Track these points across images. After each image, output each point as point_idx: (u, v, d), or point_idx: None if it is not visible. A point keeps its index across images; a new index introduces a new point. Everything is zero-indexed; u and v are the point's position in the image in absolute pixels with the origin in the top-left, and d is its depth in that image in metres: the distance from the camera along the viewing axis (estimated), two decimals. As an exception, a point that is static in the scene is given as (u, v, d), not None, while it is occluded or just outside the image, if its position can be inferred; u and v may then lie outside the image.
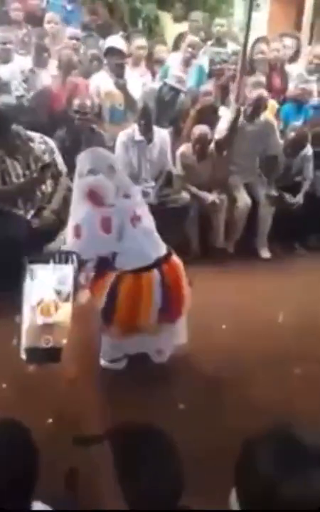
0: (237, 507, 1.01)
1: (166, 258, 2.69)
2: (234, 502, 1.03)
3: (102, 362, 2.85)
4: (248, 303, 3.67)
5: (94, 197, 2.47)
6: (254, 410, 2.59)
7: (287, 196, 4.57)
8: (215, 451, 2.30)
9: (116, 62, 4.48)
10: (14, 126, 3.55)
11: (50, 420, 2.43)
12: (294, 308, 3.69)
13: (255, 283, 4.00)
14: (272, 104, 4.91)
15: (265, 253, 4.59)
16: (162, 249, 2.71)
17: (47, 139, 3.73)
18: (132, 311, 2.58)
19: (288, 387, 2.89)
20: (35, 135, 3.68)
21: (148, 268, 2.59)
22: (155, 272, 2.60)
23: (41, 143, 3.66)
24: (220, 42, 5.54)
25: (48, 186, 3.72)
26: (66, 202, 3.83)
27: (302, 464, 0.95)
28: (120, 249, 2.55)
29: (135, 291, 2.58)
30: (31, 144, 3.62)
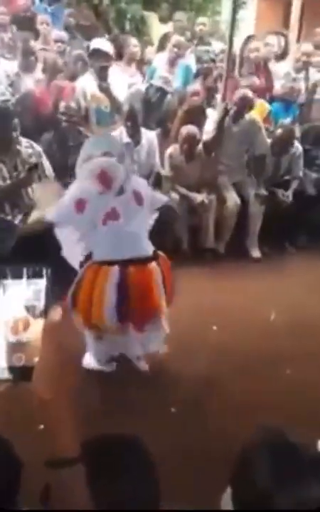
0: (231, 507, 1.02)
1: (143, 261, 2.60)
2: (227, 501, 1.03)
3: (90, 364, 2.86)
4: (239, 303, 3.66)
5: (104, 178, 2.46)
6: (246, 411, 2.57)
7: (280, 192, 4.56)
8: (204, 452, 2.30)
9: (100, 64, 4.46)
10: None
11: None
12: (284, 308, 3.69)
13: (246, 283, 3.99)
14: (263, 105, 4.91)
15: (255, 253, 4.58)
16: (140, 250, 2.62)
17: (33, 143, 3.72)
18: (87, 301, 2.55)
19: (280, 386, 2.87)
20: (22, 139, 3.67)
21: (111, 263, 2.53)
22: (115, 269, 2.51)
23: (28, 147, 3.65)
24: (203, 41, 5.54)
25: (35, 190, 3.70)
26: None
27: (299, 469, 0.96)
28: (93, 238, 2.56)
29: (92, 281, 2.54)
30: (18, 147, 3.61)
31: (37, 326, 1.07)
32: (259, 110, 4.77)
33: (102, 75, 4.45)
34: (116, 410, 2.58)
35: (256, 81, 4.85)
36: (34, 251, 3.36)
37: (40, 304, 1.16)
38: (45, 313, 1.06)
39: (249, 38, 5.45)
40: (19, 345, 1.14)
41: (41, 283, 1.26)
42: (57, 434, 0.95)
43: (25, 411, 2.37)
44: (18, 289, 1.23)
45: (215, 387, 2.89)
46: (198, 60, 5.14)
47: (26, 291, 1.28)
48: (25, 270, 1.20)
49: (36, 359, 1.05)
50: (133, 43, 4.96)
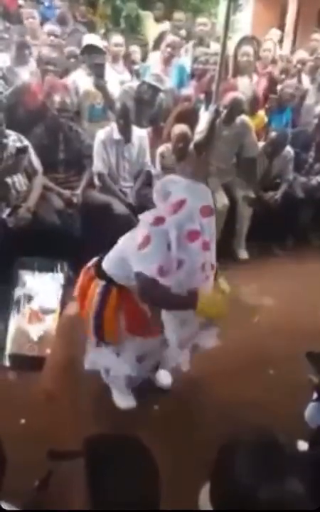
0: (209, 506, 1.02)
1: None
2: (205, 501, 1.03)
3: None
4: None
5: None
6: (229, 412, 2.59)
7: (269, 195, 4.58)
8: (192, 453, 2.31)
9: (96, 61, 4.45)
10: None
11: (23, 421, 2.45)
12: (270, 309, 3.71)
13: (232, 284, 3.98)
14: (261, 117, 4.93)
15: (243, 254, 4.60)
16: None
17: (22, 137, 3.70)
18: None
19: (263, 387, 2.89)
20: (11, 133, 3.65)
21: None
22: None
23: (15, 141, 3.63)
24: (202, 42, 5.53)
25: (22, 185, 3.69)
26: (41, 200, 3.83)
27: (279, 467, 0.97)
28: None
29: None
30: (5, 141, 3.59)
31: (52, 318, 1.07)
32: (256, 121, 4.79)
33: (98, 72, 4.45)
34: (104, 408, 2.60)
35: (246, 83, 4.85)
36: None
37: (55, 298, 1.16)
38: (61, 307, 1.06)
39: (243, 40, 5.46)
40: (33, 336, 1.14)
41: (58, 277, 1.26)
42: (59, 426, 0.94)
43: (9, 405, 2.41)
44: (35, 282, 1.25)
45: (200, 386, 2.91)
46: (195, 60, 5.13)
47: (45, 284, 1.30)
48: (45, 264, 1.21)
49: (48, 350, 1.05)
50: (116, 41, 4.93)
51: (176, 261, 2.10)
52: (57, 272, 2.45)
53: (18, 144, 3.63)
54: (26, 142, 3.71)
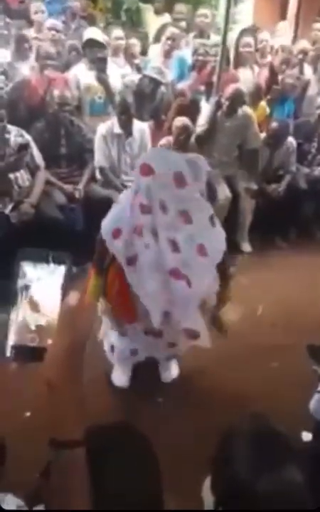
0: (211, 497, 1.02)
1: None
2: (207, 491, 1.03)
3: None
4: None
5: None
6: (233, 404, 2.58)
7: (272, 187, 4.56)
8: (195, 445, 2.32)
9: (98, 55, 4.44)
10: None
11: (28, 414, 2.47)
12: (272, 301, 3.71)
13: (235, 276, 3.99)
14: (263, 108, 4.89)
15: (246, 246, 4.59)
16: None
17: (24, 132, 3.70)
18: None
19: (267, 379, 2.90)
20: (13, 128, 3.66)
21: None
22: None
23: (17, 136, 3.64)
24: (203, 33, 5.49)
25: (25, 180, 3.70)
26: (44, 195, 3.83)
27: (277, 456, 0.97)
28: None
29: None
30: (7, 136, 3.59)
31: (54, 308, 1.08)
32: (258, 113, 4.76)
33: (100, 67, 4.44)
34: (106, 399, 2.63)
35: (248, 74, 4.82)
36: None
37: (57, 288, 1.17)
38: (62, 296, 1.07)
39: (243, 32, 5.42)
40: (34, 326, 1.15)
41: (60, 268, 1.27)
42: (61, 416, 0.95)
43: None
44: (37, 273, 1.25)
45: (203, 379, 2.92)
46: (195, 52, 5.10)
47: (47, 275, 1.30)
48: (46, 255, 1.21)
49: (50, 341, 1.05)
50: (116, 35, 4.91)
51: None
52: (58, 263, 2.47)
53: (20, 139, 3.63)
54: (28, 137, 3.72)
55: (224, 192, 4.44)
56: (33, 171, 3.75)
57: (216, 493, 1.01)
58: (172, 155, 2.24)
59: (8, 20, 5.07)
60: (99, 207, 3.99)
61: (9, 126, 3.64)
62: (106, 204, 3.99)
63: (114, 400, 2.73)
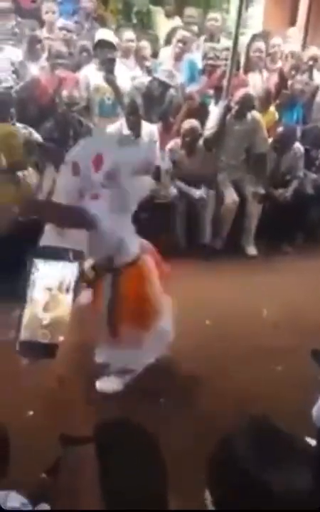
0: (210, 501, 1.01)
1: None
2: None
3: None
4: (233, 299, 3.68)
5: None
6: (236, 407, 2.58)
7: (279, 192, 4.57)
8: (194, 447, 2.31)
9: (107, 56, 4.46)
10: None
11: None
12: (277, 304, 3.70)
13: (241, 279, 4.00)
14: (272, 113, 4.89)
15: (251, 250, 4.59)
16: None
17: (33, 131, 3.72)
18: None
19: (271, 383, 2.90)
20: (20, 125, 3.68)
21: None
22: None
23: (26, 133, 3.66)
24: (213, 37, 5.49)
25: (32, 178, 3.71)
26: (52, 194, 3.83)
27: (279, 458, 0.96)
28: None
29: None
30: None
31: (66, 305, 1.08)
32: (267, 118, 4.77)
33: (108, 68, 4.45)
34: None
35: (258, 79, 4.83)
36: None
37: (69, 285, 1.17)
38: (75, 295, 1.07)
39: (255, 37, 5.42)
40: (47, 323, 1.15)
41: (72, 265, 1.26)
42: (71, 412, 0.95)
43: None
44: (49, 269, 1.26)
45: (207, 380, 2.91)
46: (205, 56, 5.10)
47: (57, 271, 1.30)
48: (59, 252, 1.21)
49: (61, 338, 1.05)
50: (127, 37, 4.92)
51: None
52: (71, 260, 2.50)
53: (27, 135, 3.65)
54: (37, 135, 3.73)
55: (231, 196, 4.44)
56: (41, 169, 3.76)
57: (216, 493, 1.00)
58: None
59: (19, 19, 5.08)
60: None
61: (18, 125, 3.66)
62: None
63: (114, 400, 2.71)
